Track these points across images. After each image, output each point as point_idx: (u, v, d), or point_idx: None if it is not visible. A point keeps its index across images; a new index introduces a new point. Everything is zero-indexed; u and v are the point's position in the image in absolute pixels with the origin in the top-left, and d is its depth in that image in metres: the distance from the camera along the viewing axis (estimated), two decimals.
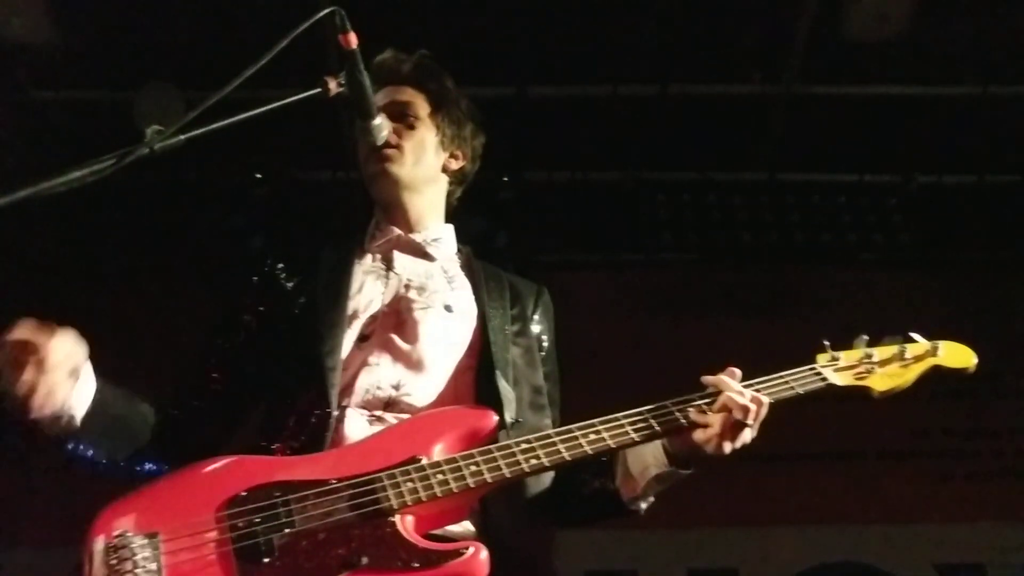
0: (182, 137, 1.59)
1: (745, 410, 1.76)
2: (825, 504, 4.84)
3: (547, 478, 1.91)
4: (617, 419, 1.81)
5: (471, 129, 2.28)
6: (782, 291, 5.22)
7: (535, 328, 2.16)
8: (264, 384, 2.02)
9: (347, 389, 1.91)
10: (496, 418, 1.83)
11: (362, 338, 1.98)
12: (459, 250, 2.24)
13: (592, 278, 5.33)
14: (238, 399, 2.05)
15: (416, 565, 1.64)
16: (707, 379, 1.83)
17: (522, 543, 1.88)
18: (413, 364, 1.95)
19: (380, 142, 2.03)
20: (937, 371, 1.98)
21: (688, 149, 5.15)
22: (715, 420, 1.78)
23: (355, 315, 2.01)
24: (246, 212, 5.01)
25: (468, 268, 2.18)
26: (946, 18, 4.50)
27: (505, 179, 4.97)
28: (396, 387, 1.92)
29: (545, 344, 2.17)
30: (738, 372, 1.84)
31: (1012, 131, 4.99)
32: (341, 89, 1.82)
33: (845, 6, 4.47)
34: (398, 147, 2.11)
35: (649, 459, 1.85)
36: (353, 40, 1.79)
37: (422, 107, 2.19)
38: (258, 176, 5.03)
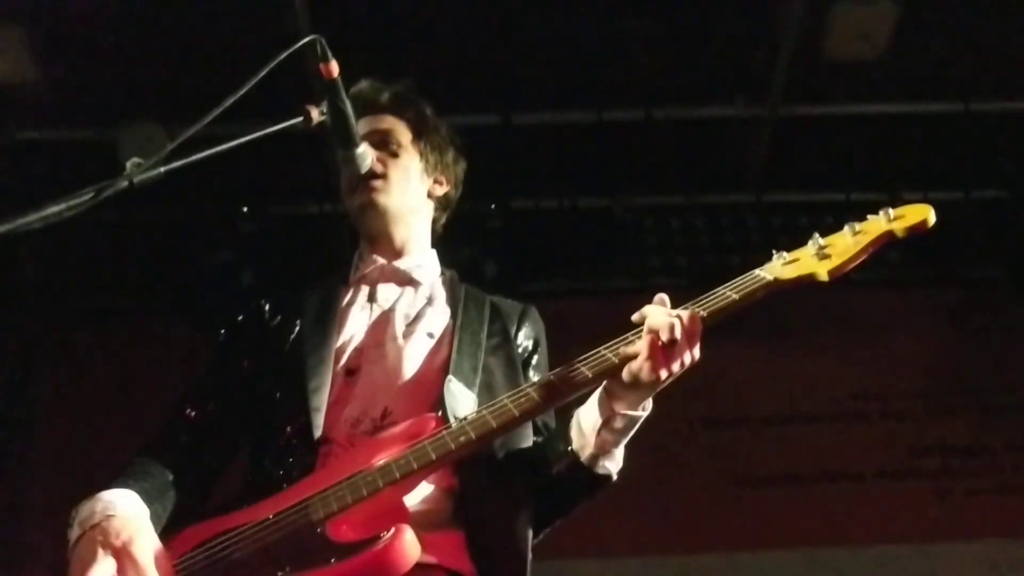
0: (162, 169, 1.58)
1: (670, 326, 1.65)
2: (823, 526, 4.80)
3: (521, 474, 1.88)
4: (547, 377, 1.78)
5: (453, 155, 2.29)
6: (774, 312, 5.20)
7: (520, 341, 2.12)
8: (251, 421, 1.98)
9: (333, 426, 1.87)
10: (435, 421, 1.78)
11: (348, 372, 1.96)
12: (442, 272, 2.23)
13: (582, 305, 5.31)
14: (227, 434, 2.00)
15: (333, 560, 1.62)
16: (635, 315, 1.73)
17: (503, 533, 1.83)
18: (398, 394, 1.92)
19: (365, 170, 2.02)
20: (891, 237, 1.78)
21: (674, 173, 5.16)
22: (642, 345, 1.68)
23: (342, 349, 1.99)
24: (233, 247, 4.97)
25: (450, 291, 2.16)
26: (927, 36, 4.53)
27: (492, 207, 4.97)
28: (383, 417, 1.89)
29: (533, 355, 2.13)
30: (666, 298, 1.76)
31: (997, 147, 5.03)
32: (323, 118, 1.81)
33: (826, 27, 4.50)
34: (384, 176, 2.11)
35: (596, 411, 1.78)
36: (335, 69, 1.78)
37: (404, 134, 2.19)
38: (245, 210, 5.01)
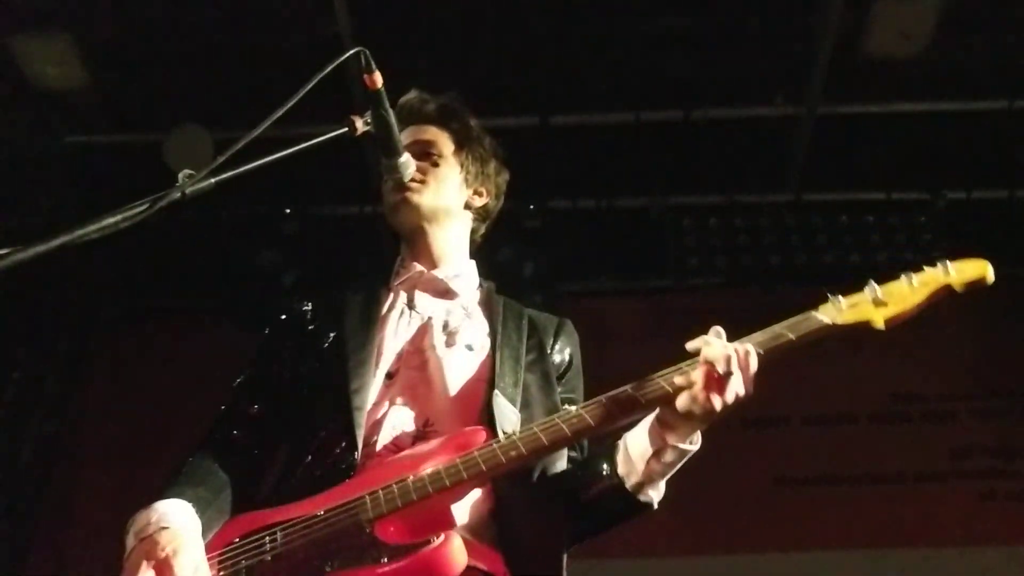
0: (212, 180, 1.61)
1: (726, 359, 1.67)
2: (864, 528, 4.77)
3: (557, 494, 1.90)
4: (599, 400, 1.78)
5: (495, 166, 2.31)
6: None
7: (556, 356, 2.15)
8: (293, 418, 2.02)
9: (374, 428, 1.92)
10: (484, 434, 1.81)
11: (387, 376, 1.99)
12: (480, 284, 2.25)
13: (620, 305, 5.33)
14: (275, 430, 2.04)
15: (384, 560, 1.66)
16: (690, 344, 1.74)
17: (538, 553, 1.86)
18: (438, 402, 1.96)
19: (407, 179, 2.06)
20: (949, 291, 1.80)
21: (713, 173, 5.15)
22: (697, 376, 1.70)
23: (380, 353, 2.02)
24: (276, 248, 5.05)
25: (487, 304, 2.19)
26: (968, 33, 4.49)
27: (531, 207, 4.99)
28: (424, 425, 1.93)
29: (567, 371, 2.16)
30: (722, 330, 1.76)
31: None
32: (367, 128, 1.84)
33: (866, 25, 4.46)
34: (422, 181, 2.14)
35: (647, 440, 1.80)
36: (378, 80, 1.80)
37: (446, 145, 2.22)
38: (287, 211, 5.09)
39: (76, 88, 4.59)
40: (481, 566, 1.79)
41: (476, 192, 2.27)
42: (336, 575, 1.67)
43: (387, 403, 1.94)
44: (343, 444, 1.86)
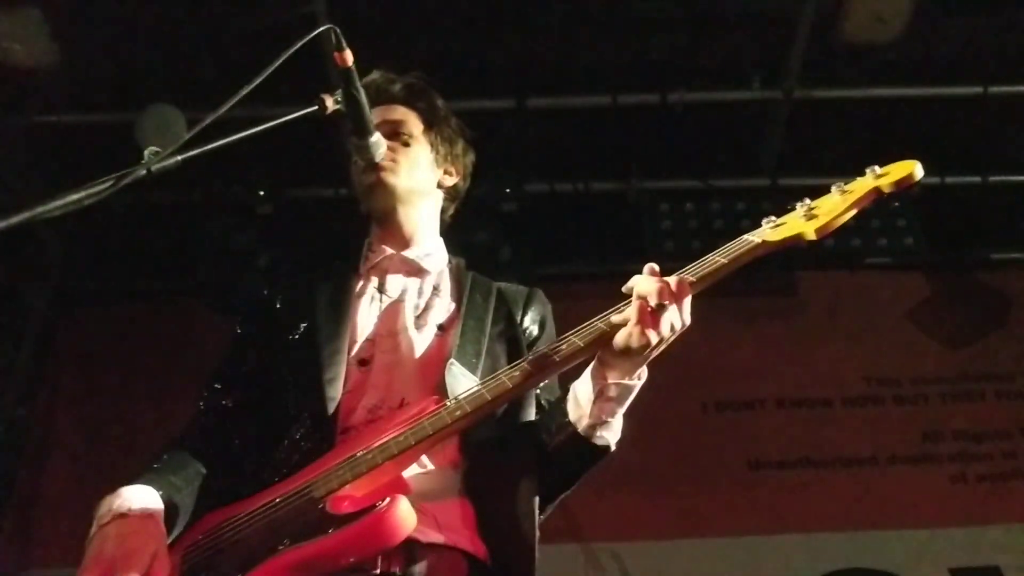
0: (179, 158, 1.60)
1: (658, 291, 1.68)
2: (836, 511, 4.81)
3: (526, 450, 1.89)
4: (539, 350, 1.82)
5: (462, 146, 2.32)
6: (788, 297, 5.21)
7: (526, 325, 2.15)
8: (267, 410, 2.00)
9: (350, 414, 1.90)
10: (433, 403, 1.82)
11: (361, 362, 1.98)
12: (450, 261, 2.25)
13: (595, 289, 5.30)
14: (250, 422, 2.02)
15: (331, 530, 1.67)
16: (624, 286, 1.76)
17: (506, 511, 1.85)
18: (413, 385, 1.95)
19: (378, 159, 2.04)
20: (878, 193, 1.80)
21: (689, 157, 5.14)
22: (631, 312, 1.71)
23: (353, 340, 2.01)
24: (250, 230, 5.00)
25: (456, 279, 2.18)
26: (943, 19, 4.50)
27: (507, 191, 4.97)
28: (400, 406, 1.91)
29: (540, 337, 2.15)
30: (656, 267, 1.77)
31: (1014, 131, 4.99)
32: (338, 107, 1.83)
33: (842, 10, 4.47)
34: (394, 161, 2.14)
35: (591, 382, 1.81)
36: (349, 58, 1.80)
37: (415, 125, 2.22)
38: (261, 193, 5.03)
39: (44, 65, 4.51)
40: (448, 542, 1.79)
41: (447, 172, 2.27)
42: (288, 551, 1.67)
43: (363, 390, 1.94)
44: (319, 433, 1.85)
